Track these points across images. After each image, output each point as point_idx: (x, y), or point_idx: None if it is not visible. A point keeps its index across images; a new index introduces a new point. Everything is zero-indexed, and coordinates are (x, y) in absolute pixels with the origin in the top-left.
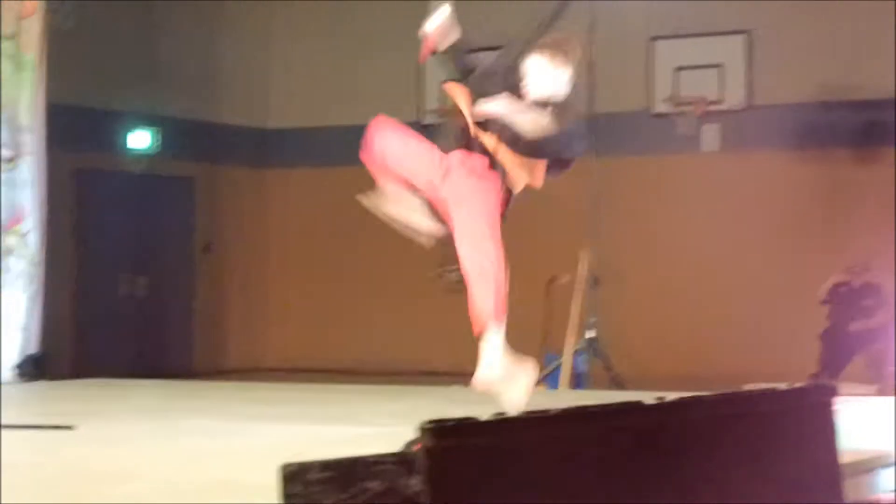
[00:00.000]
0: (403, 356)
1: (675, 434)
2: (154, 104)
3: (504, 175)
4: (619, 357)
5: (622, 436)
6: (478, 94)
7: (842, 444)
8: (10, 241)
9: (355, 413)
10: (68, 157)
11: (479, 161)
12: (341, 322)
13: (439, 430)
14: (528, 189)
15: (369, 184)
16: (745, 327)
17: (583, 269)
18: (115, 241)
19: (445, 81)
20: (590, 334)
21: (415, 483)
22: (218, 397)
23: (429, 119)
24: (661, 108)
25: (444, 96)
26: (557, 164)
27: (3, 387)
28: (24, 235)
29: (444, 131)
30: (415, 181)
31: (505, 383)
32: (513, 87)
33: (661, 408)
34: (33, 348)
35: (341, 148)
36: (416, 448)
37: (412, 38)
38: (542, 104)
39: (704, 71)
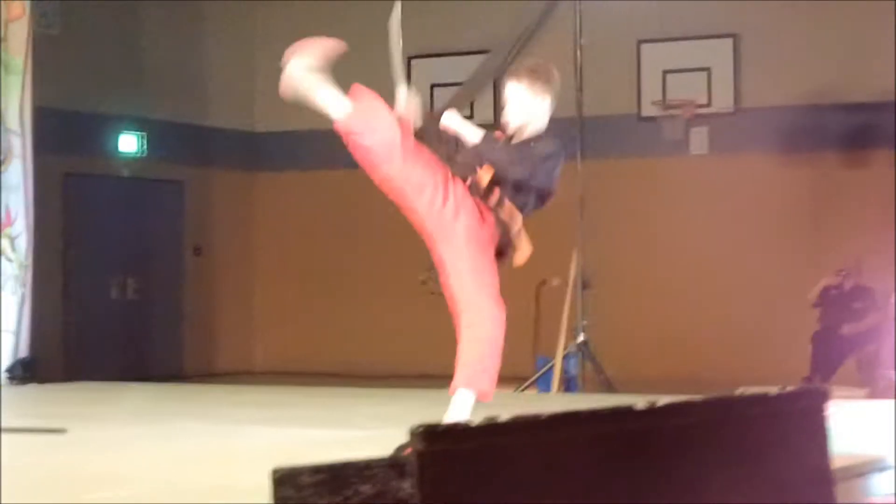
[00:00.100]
0: (394, 359)
1: (666, 438)
2: (143, 108)
3: (499, 216)
4: (610, 360)
5: (613, 440)
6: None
7: (834, 447)
8: None
9: (346, 416)
10: (57, 161)
11: (482, 206)
12: (332, 325)
13: (430, 434)
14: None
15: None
16: (736, 330)
17: (573, 273)
18: (104, 245)
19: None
20: (580, 337)
21: (406, 487)
22: (208, 400)
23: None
24: (650, 111)
25: (433, 101)
26: (538, 198)
27: None
28: (13, 239)
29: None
30: (415, 196)
31: None
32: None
33: (653, 412)
34: (24, 352)
35: (329, 151)
36: (407, 452)
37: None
38: (522, 137)
39: (692, 74)
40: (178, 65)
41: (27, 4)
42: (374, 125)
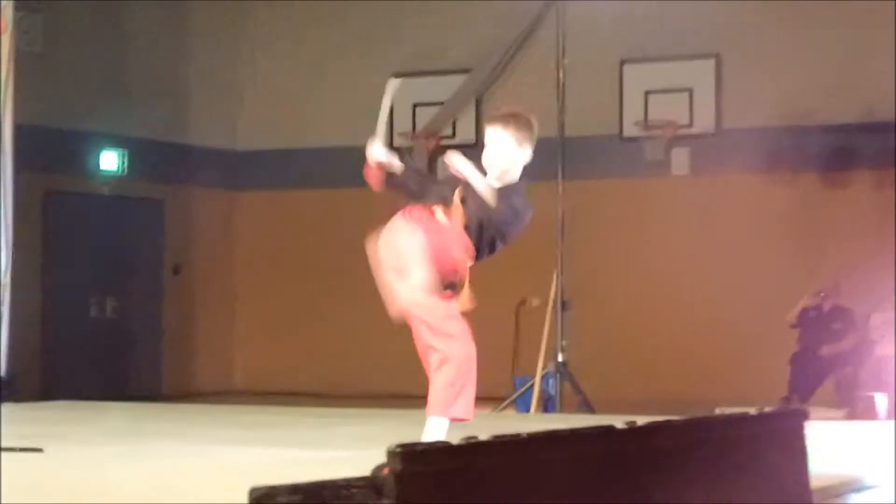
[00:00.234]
0: (373, 379)
1: (646, 458)
2: (124, 126)
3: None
4: (589, 380)
5: (593, 460)
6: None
7: (812, 468)
8: None
9: (325, 436)
10: (38, 178)
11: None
12: (311, 345)
13: (408, 455)
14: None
15: (338, 207)
16: (715, 351)
17: (553, 293)
18: (84, 263)
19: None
20: (560, 358)
21: None
22: (187, 420)
23: (398, 142)
24: (631, 131)
25: (415, 121)
26: (491, 249)
27: None
28: None
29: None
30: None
31: None
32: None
33: (632, 432)
34: (2, 370)
35: (310, 171)
36: (385, 472)
37: (381, 61)
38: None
39: (674, 95)
40: (160, 83)
41: (9, 21)
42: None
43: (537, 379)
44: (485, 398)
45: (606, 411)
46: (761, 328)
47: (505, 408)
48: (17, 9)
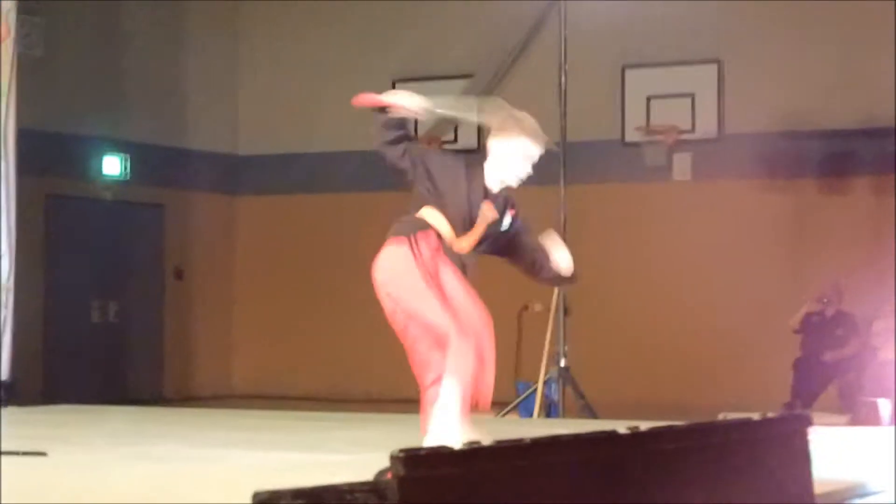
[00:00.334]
0: (374, 383)
1: (648, 463)
2: (125, 130)
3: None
4: (591, 385)
5: (596, 465)
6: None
7: (815, 473)
8: None
9: (325, 440)
10: (39, 183)
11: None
12: (312, 349)
13: (411, 459)
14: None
15: (337, 211)
16: (717, 356)
17: (555, 298)
18: (85, 267)
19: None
20: (562, 363)
21: None
22: (188, 423)
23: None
24: (633, 136)
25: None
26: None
27: None
28: None
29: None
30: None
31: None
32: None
33: (635, 437)
34: (4, 374)
35: (310, 175)
36: (388, 477)
37: (381, 65)
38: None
39: (676, 100)
40: (161, 87)
41: (12, 26)
42: None
43: (540, 384)
44: None
45: (609, 416)
46: (763, 333)
47: (507, 413)
48: (18, 12)
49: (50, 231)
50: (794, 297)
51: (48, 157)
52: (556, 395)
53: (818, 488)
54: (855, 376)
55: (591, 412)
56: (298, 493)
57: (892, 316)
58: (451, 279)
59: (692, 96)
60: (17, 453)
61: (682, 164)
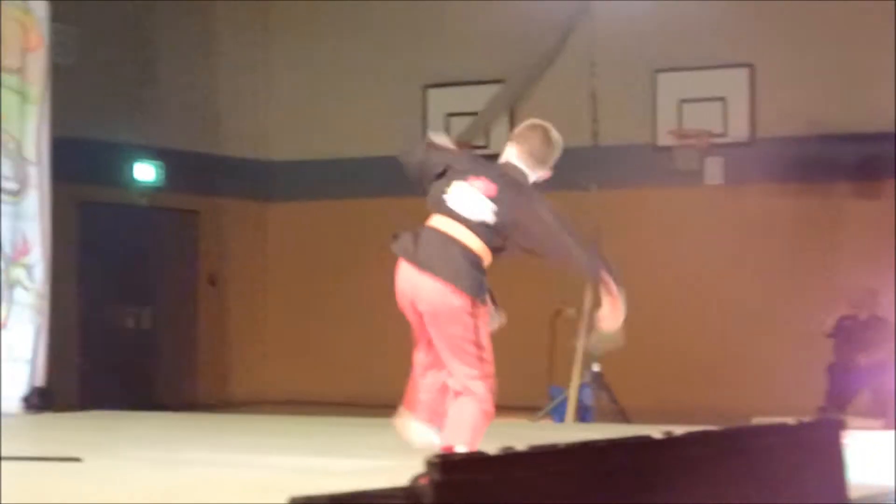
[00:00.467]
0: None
1: (683, 468)
2: (158, 138)
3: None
4: (624, 391)
5: (630, 470)
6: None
7: (850, 478)
8: (16, 273)
9: (358, 446)
10: (73, 190)
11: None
12: (345, 354)
13: (447, 464)
14: None
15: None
16: (751, 360)
17: (587, 303)
18: (119, 274)
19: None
20: (595, 368)
21: None
22: (222, 429)
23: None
24: (665, 140)
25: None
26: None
27: (11, 419)
28: (29, 268)
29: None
30: None
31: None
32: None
33: (670, 442)
34: (40, 381)
35: (342, 181)
36: (423, 482)
37: (413, 71)
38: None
39: (708, 104)
40: (193, 95)
41: (46, 35)
42: None
43: (573, 389)
44: (521, 408)
45: (642, 421)
46: (797, 337)
47: (541, 418)
48: (51, 20)
49: (84, 238)
50: (827, 300)
51: (82, 165)
52: (589, 400)
53: (853, 492)
54: (889, 380)
55: (624, 417)
56: (335, 499)
57: None
58: None
59: (724, 100)
60: (52, 459)
61: (713, 168)
